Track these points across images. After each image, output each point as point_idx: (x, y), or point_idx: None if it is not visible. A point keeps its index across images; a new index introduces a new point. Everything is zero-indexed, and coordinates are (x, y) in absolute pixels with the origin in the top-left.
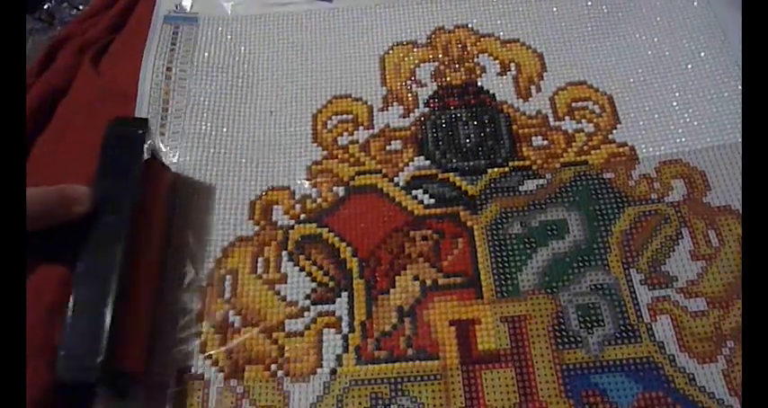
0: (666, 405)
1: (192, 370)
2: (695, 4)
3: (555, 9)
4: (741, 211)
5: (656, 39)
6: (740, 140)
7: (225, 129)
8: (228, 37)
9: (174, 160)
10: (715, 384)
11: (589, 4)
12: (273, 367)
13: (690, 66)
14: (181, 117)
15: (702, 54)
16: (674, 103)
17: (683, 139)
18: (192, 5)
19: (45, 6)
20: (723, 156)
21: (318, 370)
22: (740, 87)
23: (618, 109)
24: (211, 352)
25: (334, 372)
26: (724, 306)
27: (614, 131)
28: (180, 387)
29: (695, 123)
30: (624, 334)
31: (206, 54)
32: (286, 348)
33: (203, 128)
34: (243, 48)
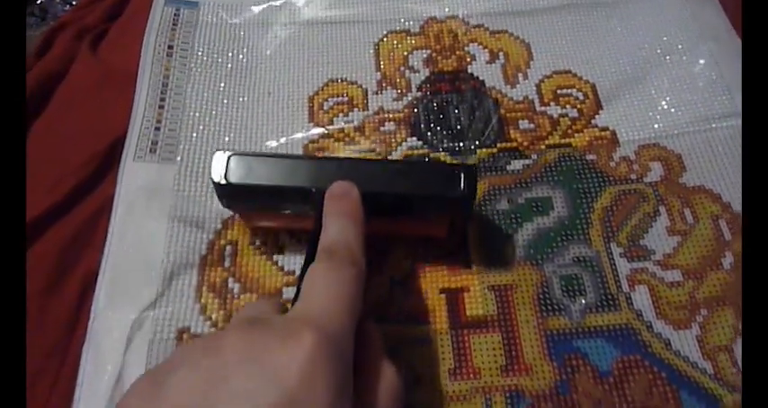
0: (644, 368)
1: (192, 330)
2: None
3: (541, 3)
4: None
5: (636, 33)
6: (713, 126)
7: (225, 109)
8: (228, 22)
9: (175, 134)
10: (689, 348)
11: None
12: None
13: (668, 58)
14: (181, 94)
15: (680, 47)
16: (653, 92)
17: (661, 125)
18: None
19: (38, 2)
20: (697, 141)
21: None
22: (714, 77)
23: (600, 96)
24: (211, 315)
25: None
26: (698, 277)
27: (596, 117)
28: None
29: (672, 110)
30: (604, 303)
31: (206, 36)
32: None
33: (203, 106)
34: (242, 33)
